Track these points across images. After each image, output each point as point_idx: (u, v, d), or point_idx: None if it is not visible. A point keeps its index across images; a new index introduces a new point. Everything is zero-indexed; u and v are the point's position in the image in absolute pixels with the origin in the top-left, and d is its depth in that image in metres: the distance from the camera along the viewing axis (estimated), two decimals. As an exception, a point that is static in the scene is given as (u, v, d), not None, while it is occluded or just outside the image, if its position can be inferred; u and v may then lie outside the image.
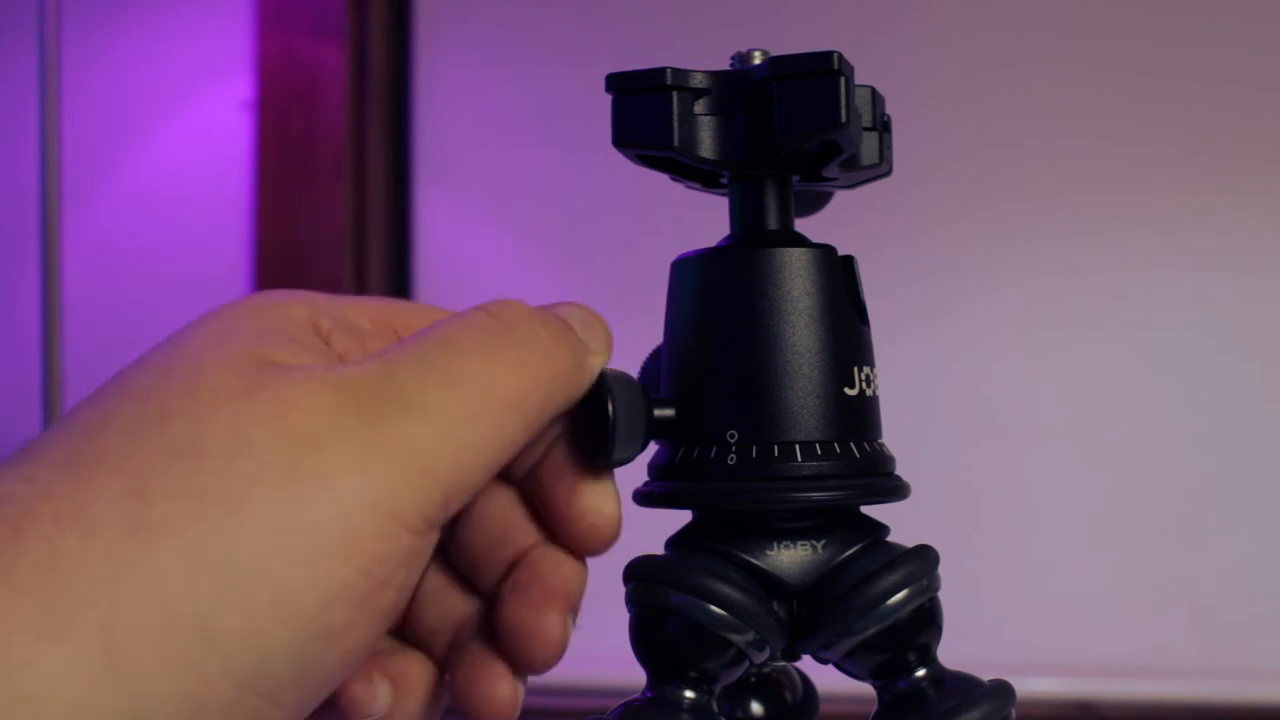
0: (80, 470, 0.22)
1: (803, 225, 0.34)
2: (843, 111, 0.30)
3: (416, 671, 0.30)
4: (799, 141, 0.31)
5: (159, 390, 0.23)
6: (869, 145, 0.33)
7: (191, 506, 0.21)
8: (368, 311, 0.29)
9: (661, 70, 0.32)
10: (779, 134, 0.31)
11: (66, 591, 0.21)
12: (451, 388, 0.24)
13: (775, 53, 0.32)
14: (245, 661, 0.21)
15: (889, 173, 0.35)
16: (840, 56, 0.31)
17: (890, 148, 0.34)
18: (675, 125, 0.32)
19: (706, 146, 0.32)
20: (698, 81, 0.32)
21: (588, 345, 0.29)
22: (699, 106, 0.32)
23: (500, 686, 0.29)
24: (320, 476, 0.22)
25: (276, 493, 0.22)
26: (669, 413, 0.32)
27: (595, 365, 0.29)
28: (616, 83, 0.32)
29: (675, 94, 0.32)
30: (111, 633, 0.21)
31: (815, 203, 0.37)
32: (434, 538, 0.24)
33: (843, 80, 0.31)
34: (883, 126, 0.34)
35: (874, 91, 0.33)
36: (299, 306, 0.27)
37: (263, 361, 0.24)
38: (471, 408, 0.25)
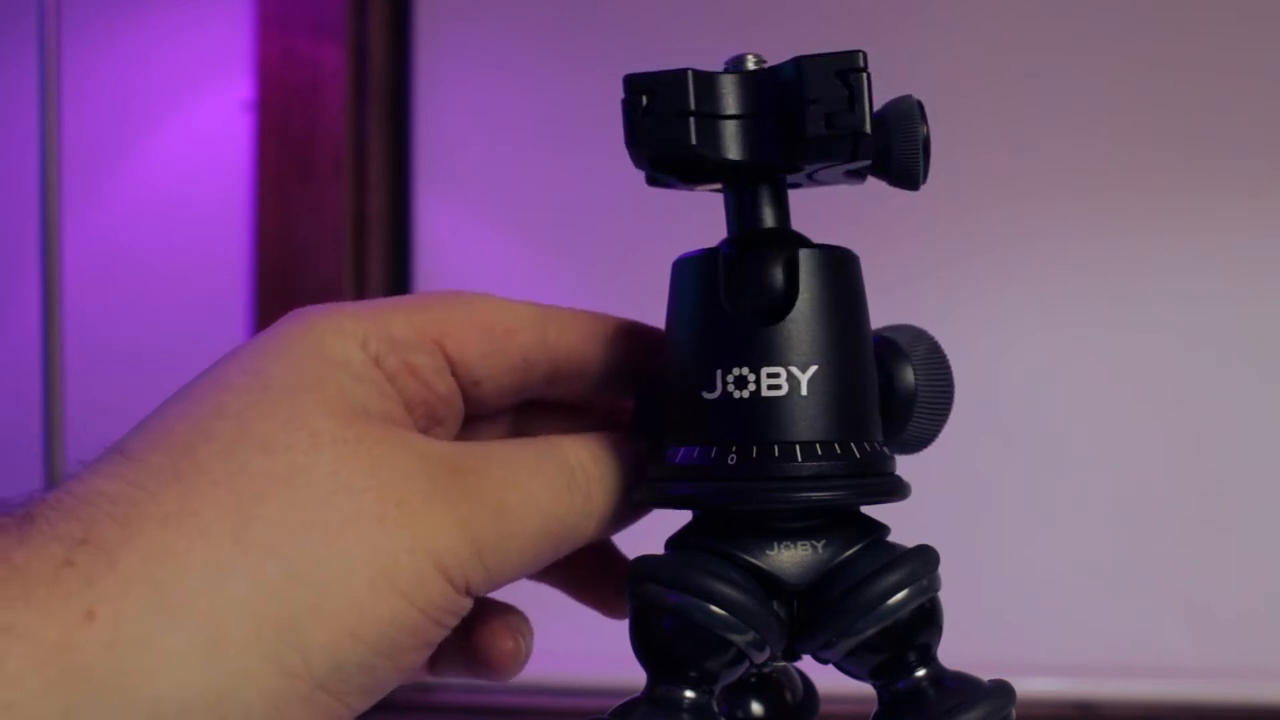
0: (185, 480, 0.25)
1: (803, 225, 0.34)
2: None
3: (519, 618, 0.36)
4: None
5: (256, 418, 0.26)
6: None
7: (292, 531, 0.25)
8: (405, 318, 0.31)
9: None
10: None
11: (176, 582, 0.24)
12: (520, 506, 0.29)
13: (773, 55, 0.32)
14: (323, 667, 0.25)
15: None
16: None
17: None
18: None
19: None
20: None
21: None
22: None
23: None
24: (404, 530, 0.26)
25: (368, 535, 0.26)
26: (670, 413, 0.32)
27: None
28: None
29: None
30: (216, 623, 0.24)
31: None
32: (471, 603, 0.28)
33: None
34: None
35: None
36: (352, 341, 0.30)
37: (354, 410, 0.28)
38: (526, 531, 0.29)
